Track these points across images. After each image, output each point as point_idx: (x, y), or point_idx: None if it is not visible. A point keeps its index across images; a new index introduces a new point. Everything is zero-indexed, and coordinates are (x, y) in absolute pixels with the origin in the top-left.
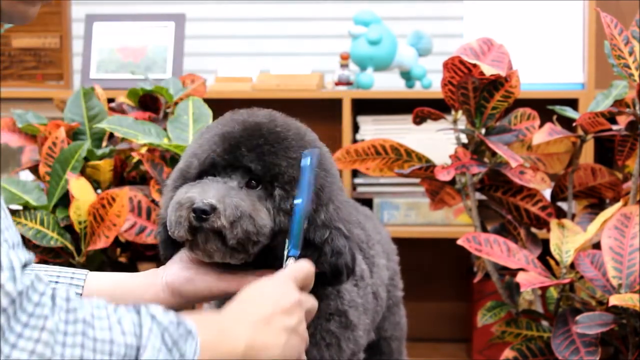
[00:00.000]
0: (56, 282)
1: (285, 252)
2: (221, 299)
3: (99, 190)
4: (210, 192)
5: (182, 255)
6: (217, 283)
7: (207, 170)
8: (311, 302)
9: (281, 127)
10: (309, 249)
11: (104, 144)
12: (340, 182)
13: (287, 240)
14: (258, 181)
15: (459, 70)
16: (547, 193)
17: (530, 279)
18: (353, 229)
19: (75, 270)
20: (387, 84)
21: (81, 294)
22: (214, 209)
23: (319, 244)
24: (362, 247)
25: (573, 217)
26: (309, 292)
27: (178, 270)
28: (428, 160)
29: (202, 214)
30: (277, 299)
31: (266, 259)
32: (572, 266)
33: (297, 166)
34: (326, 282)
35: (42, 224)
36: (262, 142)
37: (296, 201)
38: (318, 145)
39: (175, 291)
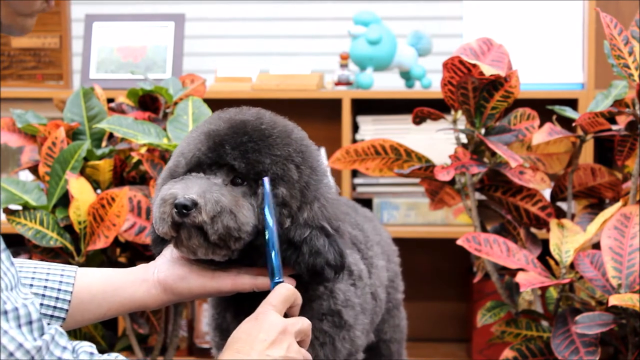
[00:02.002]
0: (46, 279)
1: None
2: (215, 297)
3: (98, 190)
4: (192, 188)
5: (173, 251)
6: (211, 282)
7: (194, 168)
8: (300, 322)
9: (267, 125)
10: (290, 248)
11: (104, 144)
12: (328, 179)
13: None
14: (242, 179)
15: (458, 70)
16: (546, 193)
17: (530, 279)
18: (345, 227)
19: (64, 266)
20: (387, 84)
21: (72, 292)
22: (195, 204)
23: (297, 243)
24: (360, 248)
25: (573, 217)
26: (298, 308)
27: (171, 268)
28: (428, 160)
29: (183, 209)
30: (263, 337)
31: (253, 257)
32: (572, 266)
33: (282, 163)
34: (312, 281)
35: (41, 224)
36: (246, 139)
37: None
38: (305, 143)
39: (168, 289)
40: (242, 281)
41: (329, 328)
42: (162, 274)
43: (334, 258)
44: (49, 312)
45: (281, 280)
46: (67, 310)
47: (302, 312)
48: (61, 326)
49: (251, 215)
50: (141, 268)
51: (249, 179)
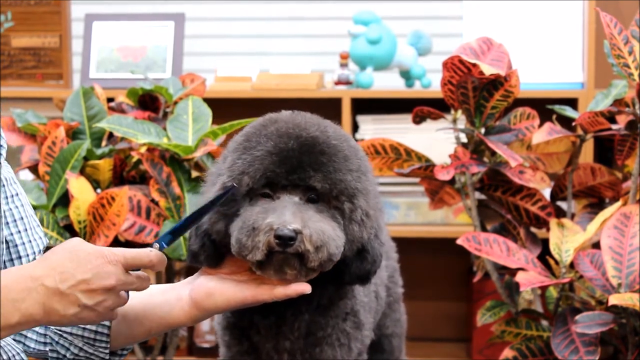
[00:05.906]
0: None
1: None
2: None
3: (98, 190)
4: (286, 216)
5: (204, 267)
6: (234, 297)
7: (261, 187)
8: (136, 284)
9: (334, 139)
10: (357, 255)
11: (104, 143)
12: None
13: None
14: (318, 196)
15: (458, 70)
16: (546, 192)
17: (530, 279)
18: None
19: None
20: (387, 84)
21: None
22: (298, 233)
23: (367, 251)
24: None
25: (573, 216)
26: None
27: (201, 284)
28: (428, 160)
29: (289, 240)
30: (89, 277)
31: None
32: (572, 266)
33: (357, 176)
34: (347, 282)
35: (41, 223)
36: (325, 160)
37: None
38: (359, 148)
39: (199, 305)
40: (262, 292)
41: (350, 329)
42: (193, 292)
43: (378, 266)
44: (93, 328)
45: (162, 245)
46: (109, 326)
47: (329, 311)
48: (108, 340)
49: (343, 235)
50: (181, 285)
51: (330, 196)
